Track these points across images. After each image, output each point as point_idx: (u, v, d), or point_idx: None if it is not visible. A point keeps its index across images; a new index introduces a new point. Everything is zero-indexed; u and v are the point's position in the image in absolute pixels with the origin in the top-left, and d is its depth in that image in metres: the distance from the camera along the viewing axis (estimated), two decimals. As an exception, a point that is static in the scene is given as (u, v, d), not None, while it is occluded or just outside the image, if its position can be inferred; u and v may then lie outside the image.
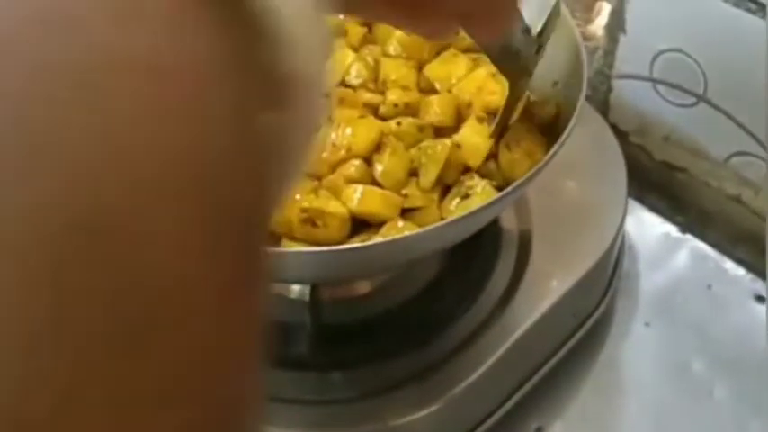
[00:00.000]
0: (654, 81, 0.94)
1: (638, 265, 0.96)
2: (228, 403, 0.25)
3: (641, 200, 1.00)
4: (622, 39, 0.96)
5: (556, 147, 0.70)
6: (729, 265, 0.95)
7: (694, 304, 0.93)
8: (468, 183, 0.77)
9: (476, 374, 0.78)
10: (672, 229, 0.98)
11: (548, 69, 0.81)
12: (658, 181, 1.00)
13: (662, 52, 0.93)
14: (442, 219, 0.75)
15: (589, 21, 1.02)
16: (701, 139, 0.95)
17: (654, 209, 0.99)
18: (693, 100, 0.93)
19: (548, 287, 0.84)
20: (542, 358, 0.86)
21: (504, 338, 0.81)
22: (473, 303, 0.83)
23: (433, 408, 0.75)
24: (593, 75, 0.99)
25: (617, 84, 0.98)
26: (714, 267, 0.95)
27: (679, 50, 0.92)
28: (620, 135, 0.98)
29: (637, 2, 0.93)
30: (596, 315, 0.90)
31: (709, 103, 0.92)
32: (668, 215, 0.99)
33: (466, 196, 0.77)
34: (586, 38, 1.00)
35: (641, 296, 0.94)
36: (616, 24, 0.95)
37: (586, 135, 0.85)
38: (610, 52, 0.97)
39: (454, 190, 0.78)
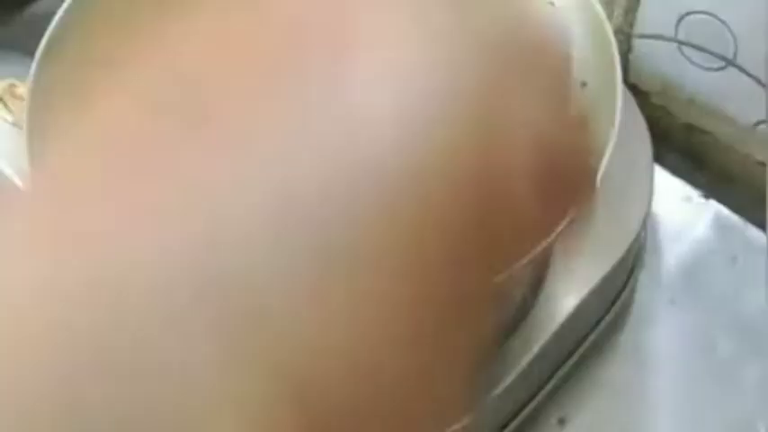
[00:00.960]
0: (680, 43, 0.88)
1: (659, 235, 0.92)
2: None
3: (661, 161, 0.94)
4: (645, -3, 0.89)
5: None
6: (754, 233, 0.91)
7: (720, 279, 0.89)
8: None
9: (504, 379, 0.75)
10: (693, 194, 0.93)
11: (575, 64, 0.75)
12: (680, 142, 0.95)
13: (689, 13, 0.87)
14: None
15: (605, -31, 0.94)
16: (729, 104, 0.89)
17: (675, 170, 0.94)
18: (722, 64, 0.87)
19: (572, 285, 0.80)
20: (567, 353, 0.83)
21: (530, 345, 0.77)
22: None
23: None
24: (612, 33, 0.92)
25: (638, 43, 0.92)
26: (739, 237, 0.91)
27: (708, 12, 0.86)
28: (641, 95, 0.93)
29: (663, -41, 0.86)
30: (622, 298, 0.86)
31: (738, 67, 0.86)
32: (689, 176, 0.94)
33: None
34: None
35: (664, 270, 0.90)
36: (639, -19, 0.88)
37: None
38: (631, 10, 0.90)
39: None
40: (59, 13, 0.75)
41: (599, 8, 0.76)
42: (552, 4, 0.78)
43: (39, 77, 0.75)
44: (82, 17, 0.77)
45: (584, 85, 0.76)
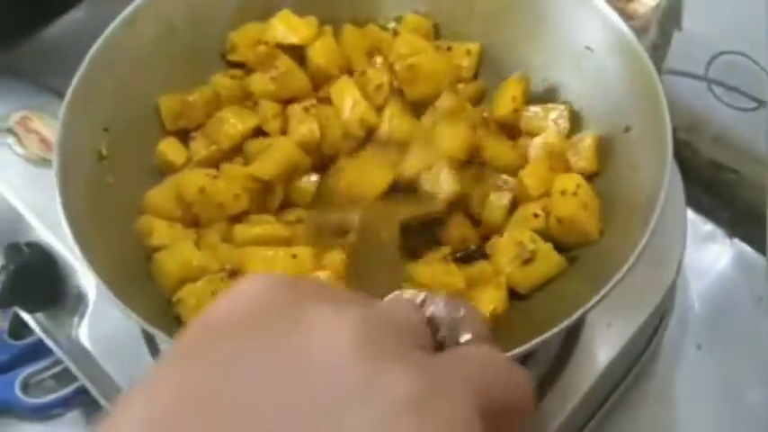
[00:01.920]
0: (710, 81, 0.87)
1: (685, 274, 0.90)
2: None
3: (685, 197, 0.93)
4: (676, 35, 0.87)
5: (640, 245, 0.63)
6: (779, 273, 0.90)
7: (745, 320, 0.88)
8: (529, 244, 0.70)
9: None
10: (718, 232, 0.92)
11: (616, 109, 0.73)
12: (705, 179, 0.93)
13: (722, 53, 0.85)
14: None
15: None
16: (758, 144, 0.88)
17: (699, 207, 0.92)
18: (753, 104, 0.86)
19: (608, 339, 0.78)
20: (599, 404, 0.81)
21: (567, 399, 0.75)
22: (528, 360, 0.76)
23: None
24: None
25: (666, 79, 0.90)
26: (764, 277, 0.90)
27: (742, 53, 0.84)
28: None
29: (696, -2, 0.84)
30: (652, 345, 0.84)
31: (770, 108, 0.85)
32: (713, 214, 0.93)
33: (528, 260, 0.70)
34: (628, 17, 0.90)
35: (689, 313, 0.89)
36: (671, 19, 0.86)
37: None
38: (660, 46, 0.88)
39: (513, 249, 0.70)
40: (87, 56, 0.72)
41: (641, 49, 0.73)
42: (590, 49, 0.76)
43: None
44: (112, 58, 0.73)
45: (627, 129, 0.74)
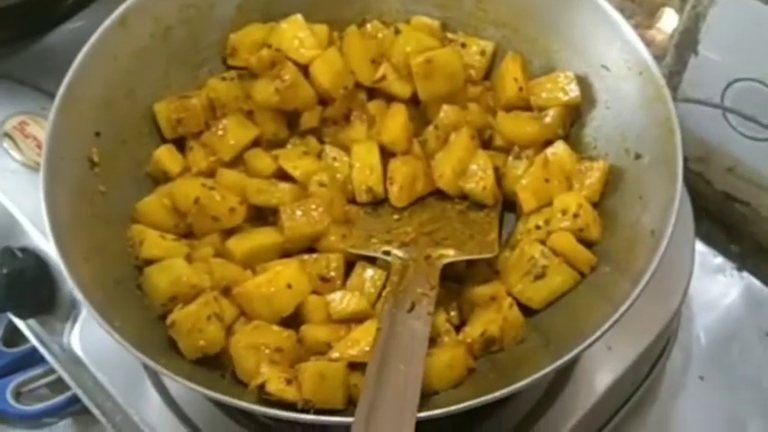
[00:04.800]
0: (726, 110, 0.84)
1: (689, 305, 0.88)
2: None
3: (695, 229, 0.91)
4: (692, 61, 0.85)
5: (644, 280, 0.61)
6: (787, 308, 0.88)
7: (750, 354, 0.86)
8: (540, 259, 0.68)
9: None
10: (727, 265, 0.90)
11: (627, 134, 0.72)
12: (716, 210, 0.91)
13: (737, 80, 0.83)
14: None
15: (650, 26, 0.91)
16: (772, 176, 0.86)
17: (708, 238, 0.90)
18: (768, 134, 0.84)
19: (609, 362, 0.76)
20: (597, 428, 0.79)
21: (564, 421, 0.74)
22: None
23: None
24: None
25: (681, 107, 0.88)
26: (772, 310, 0.88)
27: (758, 80, 0.82)
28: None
29: (714, 23, 0.82)
30: (654, 372, 0.82)
31: (786, 139, 0.83)
32: (723, 246, 0.91)
33: (540, 276, 0.68)
34: (645, 43, 0.89)
35: (694, 344, 0.87)
36: (687, 44, 0.84)
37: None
38: (677, 72, 0.86)
39: (524, 264, 0.69)
40: (78, 57, 0.70)
41: (659, 75, 0.71)
42: (607, 68, 0.74)
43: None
44: (104, 60, 0.72)
45: (638, 157, 0.72)
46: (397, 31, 0.78)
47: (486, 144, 0.77)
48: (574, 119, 0.76)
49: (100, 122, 0.72)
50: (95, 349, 0.80)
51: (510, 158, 0.75)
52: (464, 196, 0.75)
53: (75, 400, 0.88)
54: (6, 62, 0.90)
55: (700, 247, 0.90)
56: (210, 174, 0.75)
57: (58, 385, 0.96)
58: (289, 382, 0.63)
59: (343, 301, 0.69)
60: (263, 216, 0.74)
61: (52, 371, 0.91)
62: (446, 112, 0.76)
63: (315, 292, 0.70)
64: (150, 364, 0.61)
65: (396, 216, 0.75)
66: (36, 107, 0.85)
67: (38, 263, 0.82)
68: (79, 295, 0.62)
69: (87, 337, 0.81)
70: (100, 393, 0.81)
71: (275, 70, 0.76)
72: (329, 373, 0.64)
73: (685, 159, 0.88)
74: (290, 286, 0.68)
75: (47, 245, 0.81)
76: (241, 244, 0.71)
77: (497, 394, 0.59)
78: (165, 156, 0.75)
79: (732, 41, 0.82)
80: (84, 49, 0.72)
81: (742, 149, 0.86)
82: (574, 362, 0.75)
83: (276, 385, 0.63)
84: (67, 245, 0.64)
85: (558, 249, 0.68)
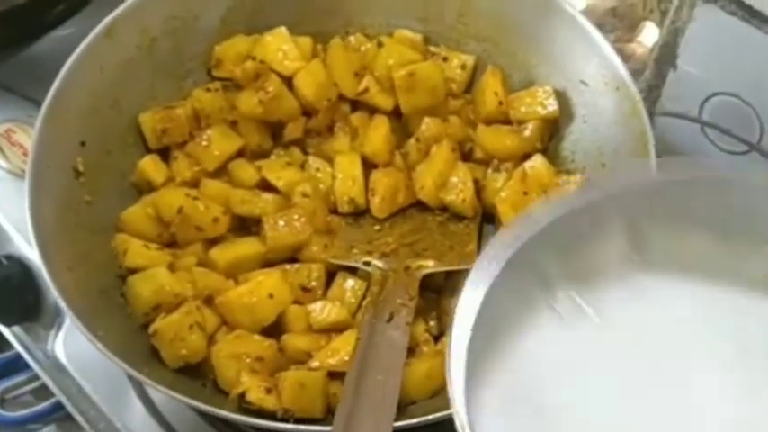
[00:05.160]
0: (704, 124, 0.85)
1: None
2: None
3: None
4: (671, 75, 0.86)
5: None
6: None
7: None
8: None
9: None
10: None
11: (604, 149, 0.73)
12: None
13: (716, 94, 0.84)
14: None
15: (631, 39, 0.91)
16: (750, 189, 0.87)
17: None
18: (746, 148, 0.84)
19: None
20: None
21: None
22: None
23: None
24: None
25: (660, 121, 0.89)
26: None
27: (735, 95, 0.83)
28: (658, 173, 0.90)
29: (692, 38, 0.83)
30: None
31: (762, 152, 0.84)
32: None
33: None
34: (625, 57, 0.90)
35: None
36: (666, 59, 0.85)
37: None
38: (656, 86, 0.87)
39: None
40: (65, 67, 0.71)
41: (634, 90, 0.73)
42: (585, 84, 0.75)
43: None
44: (90, 70, 0.73)
45: (603, 166, 0.74)
46: (380, 45, 0.79)
47: (467, 156, 0.78)
48: (552, 133, 0.77)
49: (85, 132, 0.73)
50: (79, 357, 0.81)
51: (489, 171, 0.76)
52: (444, 208, 0.76)
53: (59, 406, 0.88)
54: (-7, 70, 0.91)
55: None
56: (194, 184, 0.76)
57: (42, 392, 0.96)
58: (269, 390, 0.64)
59: (323, 310, 0.70)
60: (246, 226, 0.75)
61: (36, 378, 0.91)
62: (427, 125, 0.77)
63: (296, 301, 0.71)
64: (133, 373, 0.62)
65: (377, 227, 0.76)
66: (23, 115, 0.85)
67: (23, 270, 0.83)
68: (63, 304, 0.63)
69: (71, 345, 0.82)
70: (84, 400, 0.81)
71: (259, 82, 0.77)
72: (309, 382, 0.65)
73: (664, 172, 0.90)
74: (271, 296, 0.69)
75: (32, 252, 0.82)
76: (224, 254, 0.72)
77: (474, 404, 0.60)
78: (150, 166, 0.76)
79: (710, 56, 0.83)
80: (71, 59, 0.72)
81: (720, 163, 0.87)
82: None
83: (256, 394, 0.64)
84: (52, 254, 0.65)
85: None
